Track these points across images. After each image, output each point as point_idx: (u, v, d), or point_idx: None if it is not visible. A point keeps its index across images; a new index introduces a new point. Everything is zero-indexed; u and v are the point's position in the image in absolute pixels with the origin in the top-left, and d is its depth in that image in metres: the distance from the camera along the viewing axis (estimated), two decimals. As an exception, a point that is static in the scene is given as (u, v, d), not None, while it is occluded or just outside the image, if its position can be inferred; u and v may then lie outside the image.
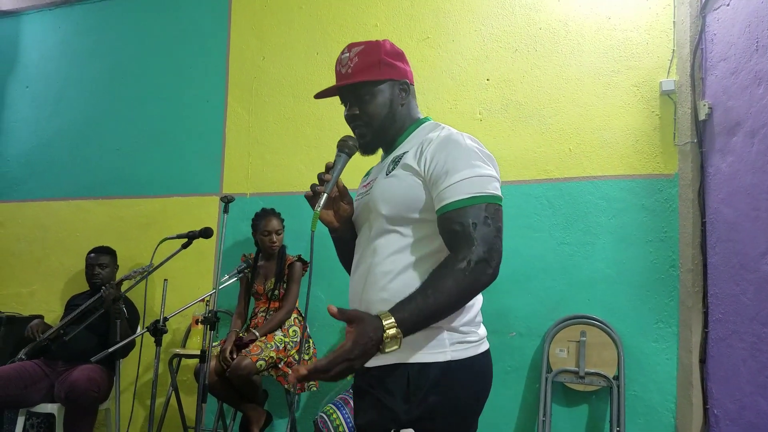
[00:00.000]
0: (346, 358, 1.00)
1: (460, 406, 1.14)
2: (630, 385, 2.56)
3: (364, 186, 1.36)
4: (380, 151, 1.36)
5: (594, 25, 2.85)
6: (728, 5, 2.39)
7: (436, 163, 1.15)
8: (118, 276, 3.18)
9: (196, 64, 3.59)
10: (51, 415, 2.84)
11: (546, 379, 2.61)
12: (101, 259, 3.15)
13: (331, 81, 1.34)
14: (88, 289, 3.18)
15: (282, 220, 2.98)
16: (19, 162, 3.94)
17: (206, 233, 2.51)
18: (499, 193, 1.15)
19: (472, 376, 1.16)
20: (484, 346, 1.20)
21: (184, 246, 2.52)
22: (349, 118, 1.30)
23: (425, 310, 1.04)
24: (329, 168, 1.23)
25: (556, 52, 2.90)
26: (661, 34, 2.74)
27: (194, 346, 2.98)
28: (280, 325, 2.82)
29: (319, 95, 1.35)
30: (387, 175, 1.24)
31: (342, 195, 1.28)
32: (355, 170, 1.53)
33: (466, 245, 1.07)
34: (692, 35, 2.63)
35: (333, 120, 3.18)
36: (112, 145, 3.70)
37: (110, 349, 2.36)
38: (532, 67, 2.93)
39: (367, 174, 1.43)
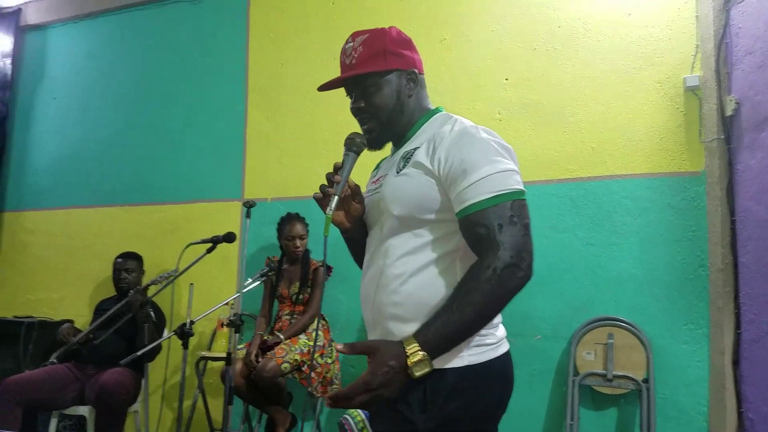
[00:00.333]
0: (367, 389, 0.98)
1: (479, 412, 1.10)
2: (660, 388, 2.50)
3: (374, 182, 1.31)
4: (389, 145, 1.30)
5: (614, 21, 2.81)
6: (754, -3, 2.34)
7: (452, 162, 1.09)
8: (144, 281, 3.23)
9: (216, 72, 3.64)
10: (82, 417, 2.90)
11: (573, 382, 2.57)
12: (128, 264, 3.21)
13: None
14: (116, 293, 3.24)
15: (306, 225, 3.00)
16: (47, 172, 4.05)
17: (229, 238, 2.55)
18: (521, 187, 1.09)
19: (491, 380, 1.11)
20: (503, 348, 1.16)
21: (209, 251, 2.56)
22: (355, 111, 1.26)
23: (451, 329, 1.01)
24: (338, 168, 1.19)
25: (575, 50, 2.87)
26: (683, 28, 2.68)
27: (220, 349, 3.02)
28: (304, 329, 2.84)
29: (323, 87, 1.30)
30: (398, 173, 1.18)
31: (354, 194, 1.23)
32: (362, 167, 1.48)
33: (491, 251, 1.02)
34: (716, 29, 2.57)
35: (350, 122, 3.17)
36: (136, 153, 3.78)
37: (138, 353, 2.41)
38: (551, 66, 2.90)
39: (377, 168, 1.38)
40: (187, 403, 3.09)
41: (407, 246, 1.14)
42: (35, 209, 4.03)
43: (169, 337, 2.59)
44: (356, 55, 1.22)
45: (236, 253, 3.34)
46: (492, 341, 1.12)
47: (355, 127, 1.28)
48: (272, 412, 2.77)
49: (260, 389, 2.70)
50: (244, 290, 2.45)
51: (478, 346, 1.10)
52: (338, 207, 1.22)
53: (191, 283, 2.62)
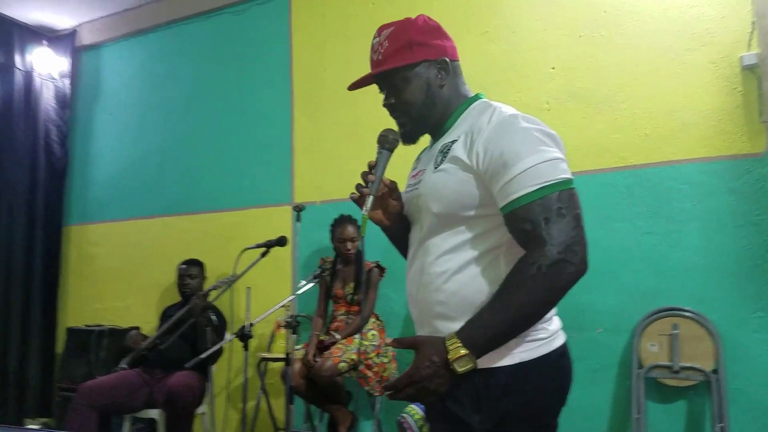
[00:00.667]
0: (411, 381, 1.00)
1: (536, 409, 1.08)
2: (731, 379, 2.40)
3: (413, 176, 1.28)
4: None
5: (661, 2, 2.71)
6: (818, -34, 2.21)
7: (491, 155, 1.05)
8: (205, 287, 3.35)
9: (261, 80, 3.73)
10: (154, 420, 3.03)
11: (637, 375, 2.51)
12: (191, 270, 3.34)
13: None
14: (181, 299, 3.36)
15: (358, 227, 3.04)
16: (107, 185, 4.25)
17: (281, 242, 2.63)
18: (569, 175, 1.03)
19: (546, 376, 1.08)
20: (558, 341, 1.12)
21: (263, 255, 2.64)
22: (387, 108, 1.23)
23: (495, 328, 0.99)
24: (372, 167, 1.18)
25: (622, 35, 2.78)
26: (737, 5, 2.57)
27: (279, 350, 3.10)
28: (359, 330, 2.88)
29: (353, 86, 1.28)
30: (436, 168, 1.15)
31: (391, 191, 1.21)
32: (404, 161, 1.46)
33: (537, 247, 0.98)
34: (776, 3, 2.45)
35: (391, 123, 3.20)
36: (190, 163, 3.92)
37: (202, 356, 2.51)
38: (598, 52, 2.83)
39: (417, 160, 1.35)
40: (250, 404, 3.18)
41: (448, 243, 1.12)
42: (99, 222, 4.24)
43: (230, 340, 2.68)
44: (382, 51, 1.20)
45: (289, 256, 3.42)
46: (544, 336, 1.09)
47: (396, 125, 1.27)
48: (333, 410, 2.83)
49: (319, 388, 2.75)
50: (299, 292, 2.50)
51: (529, 341, 1.07)
52: (375, 206, 1.22)
53: (248, 287, 2.71)
